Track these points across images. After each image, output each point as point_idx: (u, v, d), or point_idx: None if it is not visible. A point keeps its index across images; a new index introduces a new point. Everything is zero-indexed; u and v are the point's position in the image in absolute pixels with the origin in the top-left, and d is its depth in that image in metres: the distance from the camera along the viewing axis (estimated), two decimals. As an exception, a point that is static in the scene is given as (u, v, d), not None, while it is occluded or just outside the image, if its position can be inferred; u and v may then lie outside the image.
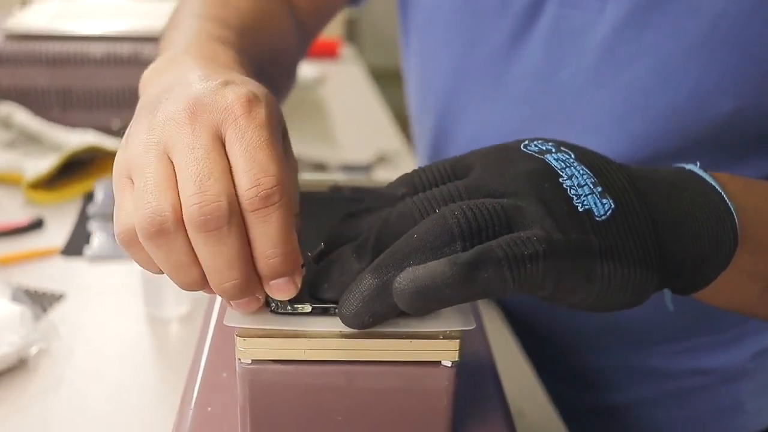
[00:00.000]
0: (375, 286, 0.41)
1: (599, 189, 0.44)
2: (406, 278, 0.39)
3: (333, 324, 0.44)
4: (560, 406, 0.77)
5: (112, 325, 0.81)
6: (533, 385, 0.78)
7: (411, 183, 0.47)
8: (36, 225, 0.98)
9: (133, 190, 0.43)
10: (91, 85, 1.25)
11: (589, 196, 0.44)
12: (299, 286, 0.44)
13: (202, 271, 0.43)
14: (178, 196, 0.42)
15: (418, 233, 0.41)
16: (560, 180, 0.44)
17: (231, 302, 0.44)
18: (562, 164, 0.45)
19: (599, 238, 0.42)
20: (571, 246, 0.41)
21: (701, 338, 0.84)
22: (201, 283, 0.43)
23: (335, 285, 0.45)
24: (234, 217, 0.41)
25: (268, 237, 0.42)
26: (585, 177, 0.45)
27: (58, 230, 0.99)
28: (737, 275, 0.49)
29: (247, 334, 0.44)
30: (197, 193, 0.41)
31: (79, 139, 1.12)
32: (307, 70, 1.62)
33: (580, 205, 0.43)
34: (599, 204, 0.43)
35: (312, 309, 0.45)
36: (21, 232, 0.97)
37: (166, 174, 0.42)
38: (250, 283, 0.43)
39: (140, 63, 1.23)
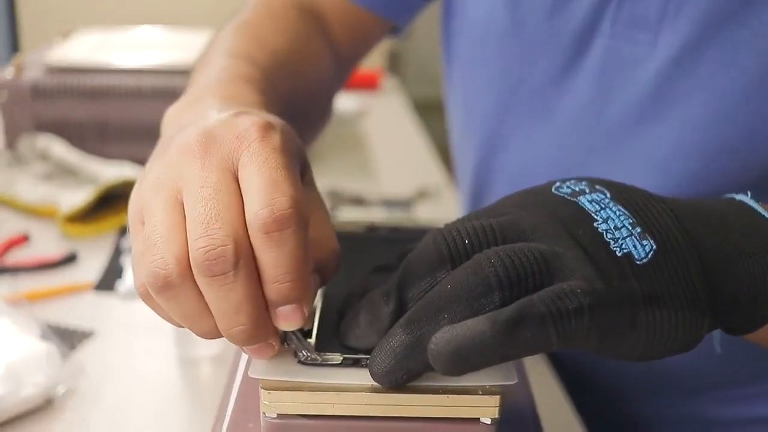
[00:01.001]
0: (408, 342, 0.38)
1: (638, 230, 0.41)
2: (443, 339, 0.36)
3: (364, 377, 0.41)
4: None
5: (142, 365, 0.79)
6: (579, 435, 0.74)
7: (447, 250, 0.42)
8: (69, 259, 0.97)
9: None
10: (129, 118, 1.24)
11: (628, 239, 0.41)
12: (307, 315, 0.42)
13: None
14: (186, 240, 0.40)
15: (452, 283, 0.39)
16: (595, 225, 0.41)
17: (243, 348, 0.42)
18: (597, 206, 0.42)
19: (641, 284, 0.39)
20: (613, 295, 0.38)
21: (756, 386, 0.79)
22: (216, 331, 0.41)
23: (366, 333, 0.42)
24: (242, 260, 0.39)
25: (279, 262, 0.40)
26: (622, 218, 0.42)
27: (91, 265, 0.98)
28: None
29: (272, 386, 0.41)
30: (203, 236, 0.39)
31: (115, 171, 1.11)
32: (347, 102, 1.60)
33: (618, 249, 0.40)
34: (639, 246, 0.40)
35: (342, 360, 0.42)
36: (54, 267, 0.96)
37: (173, 219, 0.41)
38: (259, 329, 0.41)
39: (178, 96, 1.22)
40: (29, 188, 1.11)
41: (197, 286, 0.40)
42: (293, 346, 0.43)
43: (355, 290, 0.45)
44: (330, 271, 0.47)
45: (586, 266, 0.39)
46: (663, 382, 0.81)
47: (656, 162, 0.68)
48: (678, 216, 0.43)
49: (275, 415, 0.41)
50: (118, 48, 1.35)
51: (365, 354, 0.42)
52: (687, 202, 0.46)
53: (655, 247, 0.41)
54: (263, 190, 0.40)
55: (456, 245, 0.41)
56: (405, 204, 1.22)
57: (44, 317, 0.83)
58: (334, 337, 0.44)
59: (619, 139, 0.70)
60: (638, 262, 0.40)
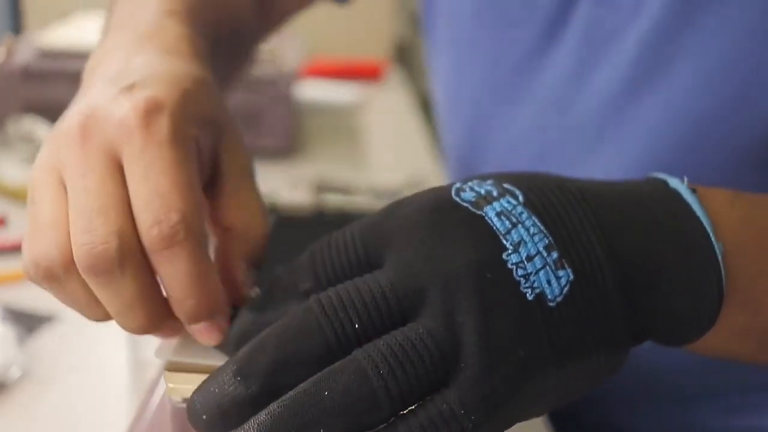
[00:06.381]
0: None
1: (554, 256, 0.34)
2: None
3: None
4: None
5: (100, 353, 0.77)
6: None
7: (313, 272, 0.38)
8: (42, 243, 0.95)
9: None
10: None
11: (542, 273, 0.33)
12: (225, 329, 0.39)
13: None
14: (69, 233, 0.37)
15: (332, 391, 0.32)
16: (504, 257, 0.34)
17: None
18: (507, 222, 0.35)
19: (551, 337, 0.33)
20: (512, 384, 0.32)
21: (759, 394, 0.74)
22: (107, 317, 0.39)
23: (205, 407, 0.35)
24: (128, 257, 0.36)
25: (177, 279, 0.37)
26: (537, 239, 0.34)
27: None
28: (727, 333, 0.40)
29: (177, 368, 0.39)
30: (85, 232, 0.36)
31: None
32: (345, 92, 1.57)
33: (529, 291, 0.33)
34: (554, 281, 0.33)
35: None
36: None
37: (58, 207, 0.38)
38: (156, 324, 0.38)
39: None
40: (11, 171, 1.10)
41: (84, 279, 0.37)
42: None
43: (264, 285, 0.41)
44: (259, 260, 0.43)
45: (484, 352, 0.32)
46: (650, 389, 0.76)
47: (639, 134, 0.64)
48: (602, 223, 0.36)
49: (181, 400, 0.39)
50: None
51: None
52: (613, 195, 0.38)
53: (572, 277, 0.34)
54: (148, 206, 0.37)
55: (345, 331, 0.34)
56: (393, 194, 1.20)
57: (6, 300, 0.82)
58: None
59: (603, 113, 0.66)
60: (551, 304, 0.33)
